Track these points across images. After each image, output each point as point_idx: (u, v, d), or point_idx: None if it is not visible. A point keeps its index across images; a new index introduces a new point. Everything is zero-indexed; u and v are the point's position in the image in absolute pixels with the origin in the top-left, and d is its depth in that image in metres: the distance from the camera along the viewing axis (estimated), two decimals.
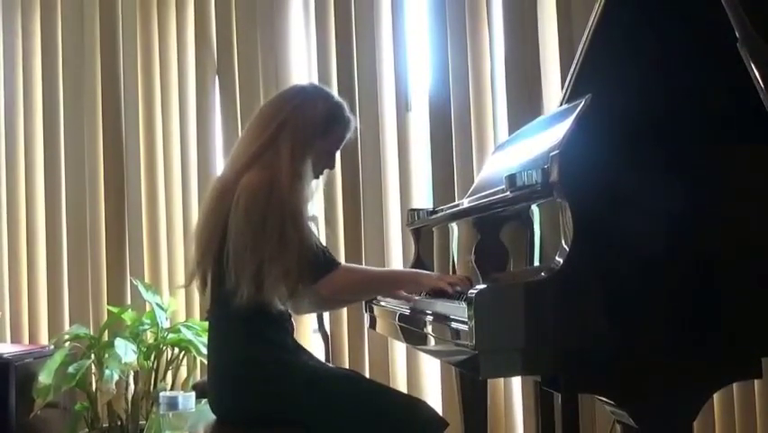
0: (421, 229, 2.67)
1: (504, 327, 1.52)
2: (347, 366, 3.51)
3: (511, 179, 1.70)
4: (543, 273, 1.57)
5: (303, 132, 2.18)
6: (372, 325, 2.66)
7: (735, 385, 2.91)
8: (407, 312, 2.20)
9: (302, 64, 3.81)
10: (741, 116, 1.80)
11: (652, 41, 2.20)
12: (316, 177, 2.29)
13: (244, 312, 2.08)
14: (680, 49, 2.13)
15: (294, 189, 2.11)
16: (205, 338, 3.22)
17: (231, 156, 2.30)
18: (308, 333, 3.56)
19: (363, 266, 2.41)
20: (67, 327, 3.87)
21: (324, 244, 2.22)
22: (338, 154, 3.48)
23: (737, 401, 2.98)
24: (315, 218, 2.24)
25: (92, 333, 3.65)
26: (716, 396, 2.87)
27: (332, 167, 2.34)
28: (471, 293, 1.53)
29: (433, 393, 3.50)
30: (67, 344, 3.49)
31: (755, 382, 2.85)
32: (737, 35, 1.86)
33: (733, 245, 1.60)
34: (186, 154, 3.92)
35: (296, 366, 2.14)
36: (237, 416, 2.14)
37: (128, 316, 3.58)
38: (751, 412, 2.97)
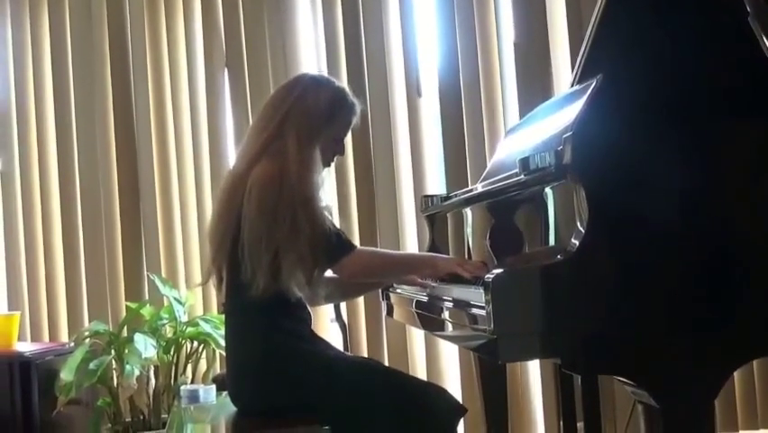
0: (435, 215, 2.67)
1: (521, 311, 1.52)
2: (365, 355, 3.52)
3: (524, 162, 1.70)
4: (559, 256, 1.57)
5: (308, 120, 2.20)
6: (390, 312, 2.66)
7: (755, 362, 2.90)
8: (425, 299, 2.20)
9: (311, 54, 3.81)
10: (756, 92, 1.79)
11: (663, 19, 2.18)
12: (327, 164, 2.29)
13: (260, 303, 2.09)
14: (690, 25, 2.11)
15: (303, 177, 2.12)
16: (223, 331, 3.23)
17: (240, 150, 2.32)
18: (326, 323, 3.56)
19: (380, 249, 2.40)
20: (86, 323, 3.88)
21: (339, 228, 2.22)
22: (349, 140, 3.58)
23: (758, 378, 2.97)
24: (328, 207, 2.24)
25: (111, 329, 3.67)
26: (736, 373, 2.86)
27: (341, 153, 2.34)
28: (488, 278, 1.53)
29: (452, 379, 3.50)
30: (86, 340, 3.51)
31: None
32: (748, 9, 1.84)
33: (748, 221, 1.59)
34: (197, 148, 3.92)
35: (314, 356, 2.15)
36: (257, 407, 2.15)
37: (146, 311, 3.59)
38: None
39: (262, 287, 2.06)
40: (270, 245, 2.07)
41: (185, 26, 3.97)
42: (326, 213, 2.15)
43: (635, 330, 1.53)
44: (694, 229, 1.57)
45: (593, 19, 2.35)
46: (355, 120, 2.33)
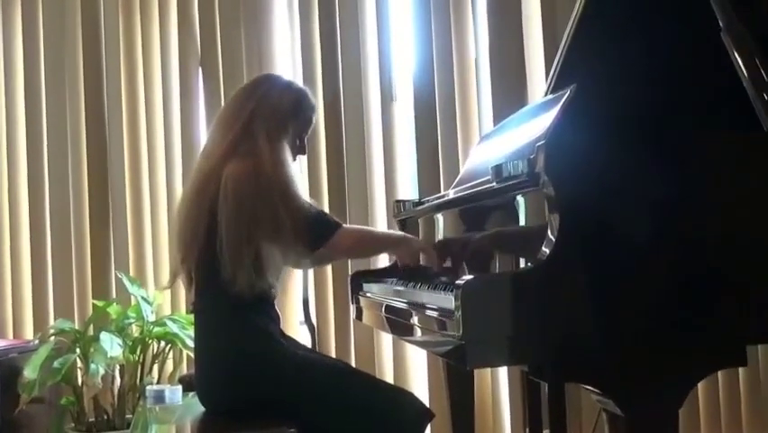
0: (407, 220, 2.67)
1: (491, 317, 1.52)
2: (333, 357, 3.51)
3: (497, 169, 1.70)
4: (529, 264, 1.57)
5: (274, 118, 2.23)
6: (359, 316, 2.66)
7: (719, 373, 2.93)
8: (394, 303, 2.20)
9: (286, 54, 3.80)
10: (727, 105, 1.81)
11: (637, 30, 2.20)
12: None
13: (232, 302, 2.09)
14: (665, 37, 2.13)
15: (278, 172, 2.14)
16: (190, 331, 3.20)
17: (204, 151, 2.34)
18: (295, 324, 3.56)
19: (361, 227, 2.48)
20: (51, 321, 3.84)
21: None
22: (322, 143, 3.58)
23: (722, 389, 3.00)
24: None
25: (77, 327, 3.63)
26: (701, 384, 2.89)
27: (303, 152, 2.39)
28: (458, 284, 1.53)
29: (419, 384, 3.50)
30: (52, 338, 3.47)
31: (740, 369, 2.88)
32: (721, 24, 1.86)
33: (718, 234, 1.60)
34: (169, 145, 3.90)
35: (284, 355, 2.15)
36: (225, 406, 2.14)
37: (113, 310, 3.56)
38: (736, 400, 3.00)
39: (244, 284, 2.07)
40: (252, 243, 2.08)
41: (160, 24, 3.95)
42: (306, 199, 2.19)
43: (603, 339, 1.54)
44: (664, 240, 1.58)
45: (568, 28, 2.37)
46: (315, 120, 2.39)
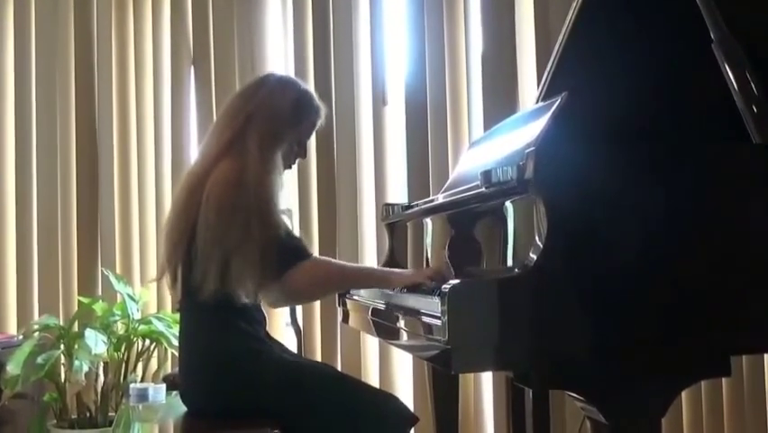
0: (395, 224, 2.67)
1: (477, 323, 1.52)
2: (319, 360, 3.50)
3: (486, 175, 1.70)
4: (516, 270, 1.58)
5: (271, 122, 2.18)
6: (345, 319, 2.65)
7: (703, 383, 2.94)
8: (381, 307, 2.20)
9: (278, 56, 3.80)
10: (717, 115, 1.82)
11: (629, 39, 2.21)
12: (288, 167, 2.28)
13: (215, 303, 2.07)
14: (657, 47, 2.15)
15: (263, 181, 2.10)
16: (176, 330, 3.20)
17: (201, 150, 2.31)
18: (281, 326, 3.55)
19: (334, 261, 2.36)
20: (36, 316, 3.83)
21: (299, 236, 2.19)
22: (313, 145, 3.57)
23: (705, 399, 3.01)
24: (289, 211, 2.23)
25: (62, 323, 3.61)
26: (684, 393, 2.90)
27: (303, 156, 2.33)
28: (445, 288, 1.53)
29: (404, 388, 3.50)
30: (36, 334, 3.45)
31: (723, 379, 2.89)
32: (712, 36, 1.87)
33: (704, 244, 1.61)
34: (159, 144, 3.89)
35: (268, 357, 2.14)
36: (208, 407, 2.13)
37: (99, 306, 3.54)
38: (718, 410, 3.01)
39: (211, 289, 2.05)
40: (222, 249, 2.05)
41: (152, 21, 3.95)
42: (284, 218, 2.13)
43: (588, 346, 1.54)
44: (650, 249, 1.59)
45: (561, 37, 2.37)
46: (319, 123, 2.32)
